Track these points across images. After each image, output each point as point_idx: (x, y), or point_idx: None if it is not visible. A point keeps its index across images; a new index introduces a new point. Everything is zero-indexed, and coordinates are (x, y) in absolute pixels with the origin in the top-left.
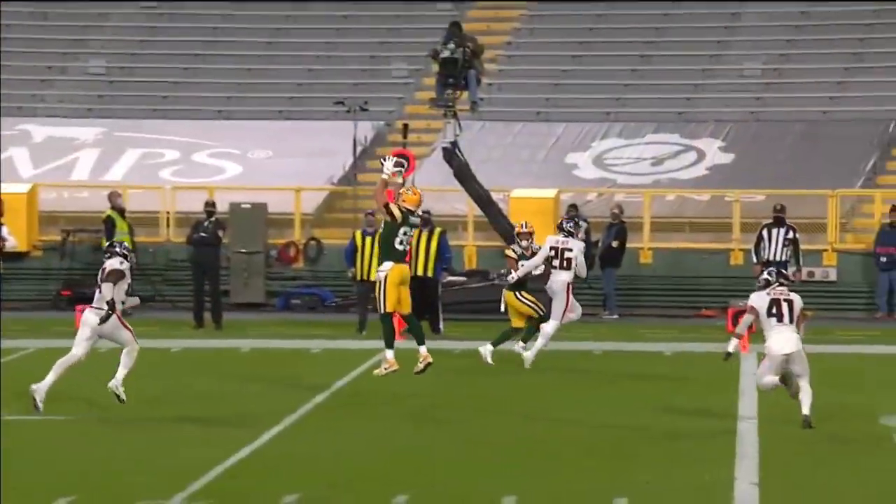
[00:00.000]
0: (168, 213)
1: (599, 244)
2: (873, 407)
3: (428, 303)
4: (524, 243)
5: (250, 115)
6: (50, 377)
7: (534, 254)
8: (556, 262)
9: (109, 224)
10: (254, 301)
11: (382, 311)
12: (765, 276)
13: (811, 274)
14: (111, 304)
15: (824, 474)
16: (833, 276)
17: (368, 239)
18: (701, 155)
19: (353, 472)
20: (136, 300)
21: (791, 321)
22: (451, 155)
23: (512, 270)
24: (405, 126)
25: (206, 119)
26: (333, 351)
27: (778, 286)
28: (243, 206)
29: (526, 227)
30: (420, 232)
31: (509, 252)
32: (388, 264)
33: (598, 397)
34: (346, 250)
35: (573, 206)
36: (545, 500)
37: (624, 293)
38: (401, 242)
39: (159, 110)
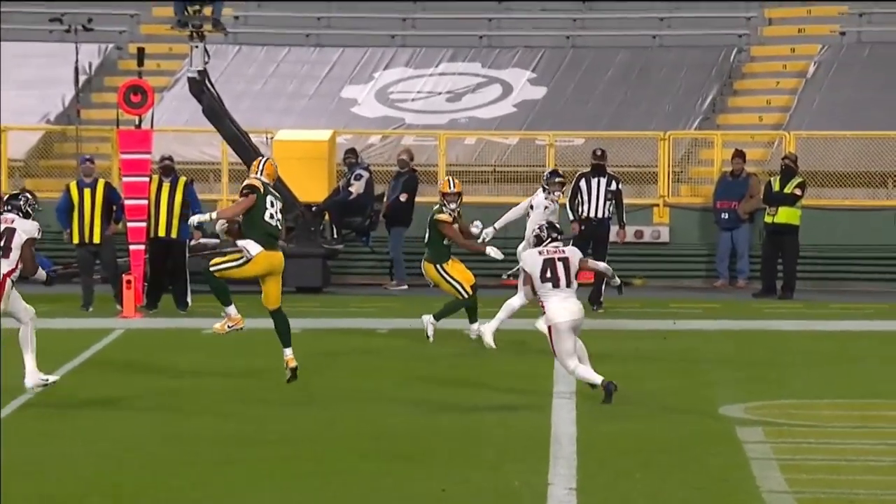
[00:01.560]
0: None
1: (385, 198)
2: (712, 395)
3: (172, 271)
4: (453, 206)
5: None
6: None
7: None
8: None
9: None
10: None
11: (212, 269)
12: (535, 231)
13: (639, 234)
14: None
15: (652, 478)
16: (665, 237)
17: (87, 192)
18: (507, 89)
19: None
20: None
21: (569, 284)
22: (200, 87)
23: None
24: (140, 51)
25: None
26: (50, 332)
27: (551, 242)
28: None
29: (453, 187)
30: (160, 182)
31: (442, 216)
32: (254, 247)
33: (380, 385)
34: (59, 207)
35: (351, 152)
36: None
37: (415, 258)
38: (271, 217)
39: None
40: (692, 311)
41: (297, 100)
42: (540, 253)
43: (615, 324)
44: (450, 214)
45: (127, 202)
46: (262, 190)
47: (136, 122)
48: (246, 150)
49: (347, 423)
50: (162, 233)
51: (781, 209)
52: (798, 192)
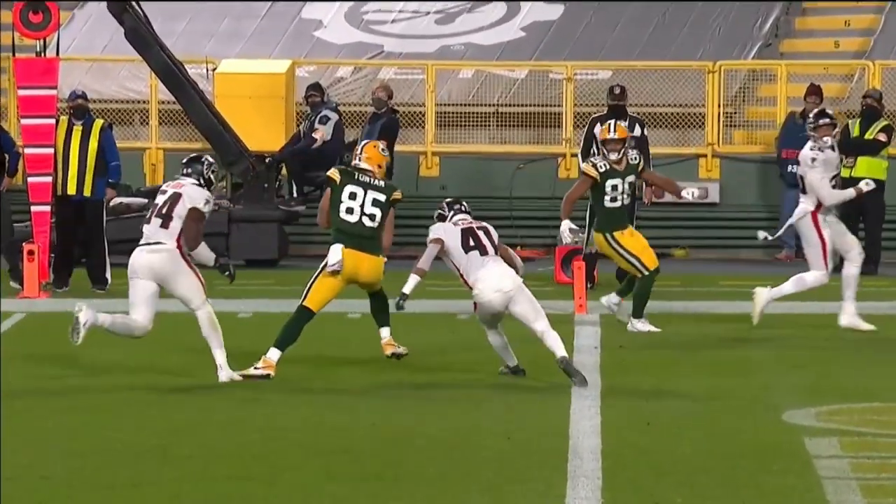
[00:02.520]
0: None
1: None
2: (772, 397)
3: (85, 239)
4: (614, 156)
5: None
6: None
7: (631, 169)
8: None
9: None
10: None
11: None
12: (437, 211)
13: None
14: None
15: None
16: (714, 195)
17: None
18: (513, 8)
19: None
20: None
21: (496, 252)
22: (121, 5)
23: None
24: None
25: None
26: None
27: (458, 214)
28: None
29: (614, 132)
30: (70, 125)
31: (589, 168)
32: (334, 253)
33: (349, 384)
34: None
35: (315, 88)
36: None
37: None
38: (348, 210)
39: None
40: (748, 290)
41: (245, 21)
42: (455, 224)
43: (651, 306)
44: (600, 167)
45: (26, 150)
46: (338, 180)
47: (38, 49)
48: (181, 85)
49: (306, 434)
50: (72, 190)
51: (861, 160)
52: (883, 137)
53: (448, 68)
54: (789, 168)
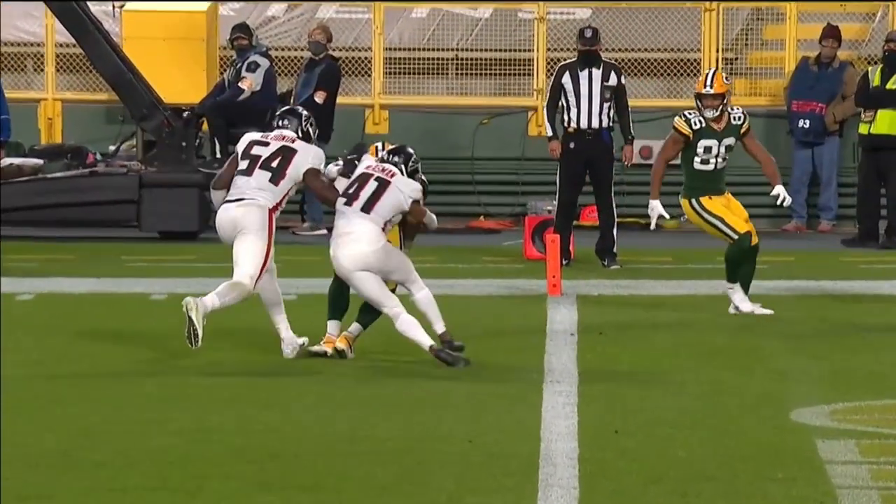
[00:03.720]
0: None
1: (292, 99)
2: (780, 393)
3: None
4: (710, 113)
5: None
6: None
7: (731, 131)
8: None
9: None
10: None
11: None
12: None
13: None
14: None
15: None
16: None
17: None
18: None
19: None
20: None
21: (367, 211)
22: None
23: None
24: None
25: None
26: None
27: (380, 163)
28: None
29: (711, 84)
30: None
31: (680, 123)
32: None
33: (283, 380)
34: None
35: (242, 29)
36: None
37: None
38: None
39: None
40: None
41: None
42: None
43: (637, 286)
44: (688, 120)
45: None
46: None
47: None
48: (82, 24)
49: (236, 436)
50: None
51: (882, 113)
52: None
53: (399, 6)
54: (800, 123)
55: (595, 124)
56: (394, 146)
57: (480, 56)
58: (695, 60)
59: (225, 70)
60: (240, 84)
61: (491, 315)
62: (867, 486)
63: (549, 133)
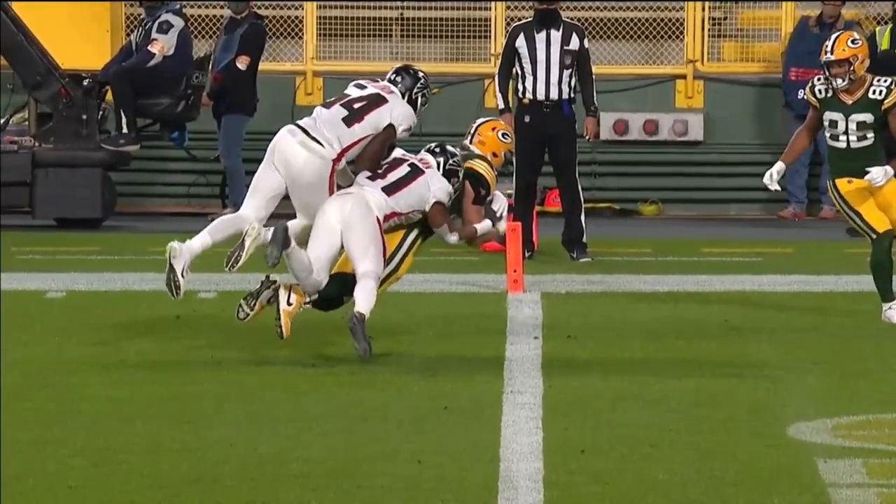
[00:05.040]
0: None
1: (211, 65)
2: (776, 405)
3: None
4: (839, 82)
5: None
6: None
7: (865, 105)
8: None
9: None
10: None
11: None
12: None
13: (650, 127)
14: None
15: None
16: (697, 132)
17: None
18: None
19: None
20: None
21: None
22: None
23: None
24: None
25: None
26: None
27: (434, 156)
28: None
29: (831, 51)
30: None
31: (807, 93)
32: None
33: (199, 386)
34: None
35: None
36: None
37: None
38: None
39: None
40: (743, 259)
41: None
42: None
43: (611, 282)
44: (818, 91)
45: None
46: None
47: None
48: None
49: (144, 457)
50: None
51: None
52: None
53: None
54: (800, 94)
55: (554, 95)
56: (436, 144)
57: (429, 15)
58: (677, 20)
59: (132, 31)
60: (149, 48)
61: (442, 315)
62: None
63: (501, 105)
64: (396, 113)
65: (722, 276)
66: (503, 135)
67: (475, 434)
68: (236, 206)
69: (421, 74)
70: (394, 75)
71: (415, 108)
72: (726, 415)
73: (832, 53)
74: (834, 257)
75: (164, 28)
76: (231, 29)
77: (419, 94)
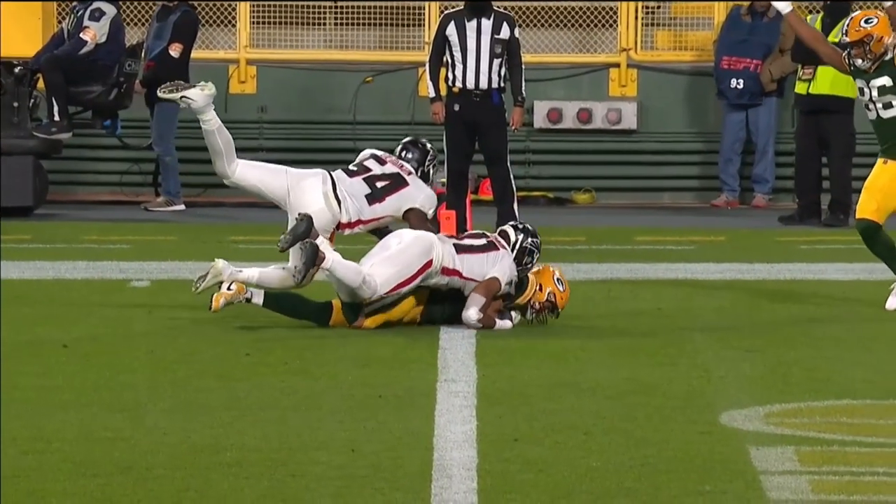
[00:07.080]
0: None
1: (144, 52)
2: (707, 392)
3: None
4: (860, 62)
5: None
6: None
7: (884, 69)
8: None
9: None
10: None
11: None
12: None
13: (584, 116)
14: None
15: None
16: (630, 121)
17: None
18: None
19: None
20: None
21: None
22: None
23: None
24: None
25: None
26: None
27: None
28: None
29: (846, 33)
30: None
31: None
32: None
33: (132, 377)
34: None
35: None
36: None
37: (201, 157)
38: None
39: None
40: (676, 247)
41: None
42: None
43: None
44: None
45: None
46: None
47: None
48: None
49: (76, 446)
50: None
51: (824, 70)
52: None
53: None
54: (732, 83)
55: (483, 84)
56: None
57: (363, 3)
58: (610, 9)
59: (64, 18)
60: (81, 35)
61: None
62: (807, 500)
63: (432, 93)
64: (421, 200)
65: (655, 264)
66: (558, 280)
67: (409, 423)
68: (169, 196)
69: (429, 147)
70: (403, 151)
71: (428, 180)
72: (660, 402)
73: (847, 35)
74: (766, 245)
75: (97, 16)
76: (163, 16)
77: (430, 166)
